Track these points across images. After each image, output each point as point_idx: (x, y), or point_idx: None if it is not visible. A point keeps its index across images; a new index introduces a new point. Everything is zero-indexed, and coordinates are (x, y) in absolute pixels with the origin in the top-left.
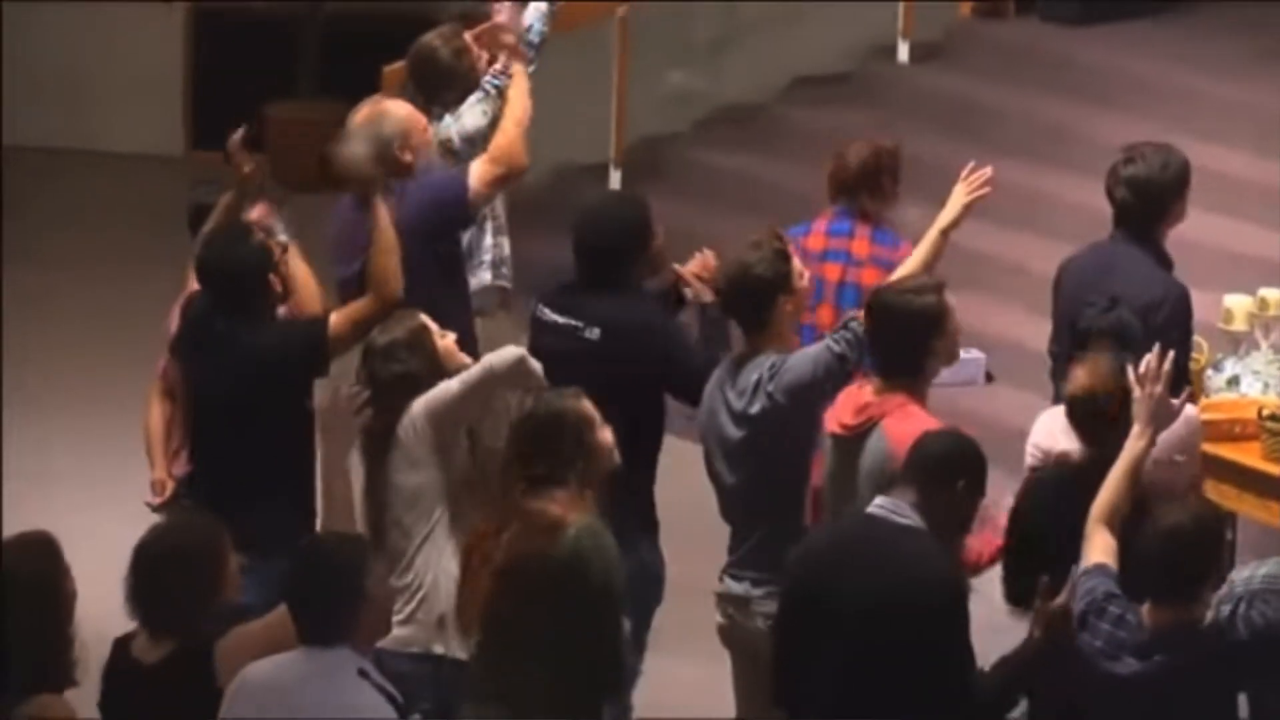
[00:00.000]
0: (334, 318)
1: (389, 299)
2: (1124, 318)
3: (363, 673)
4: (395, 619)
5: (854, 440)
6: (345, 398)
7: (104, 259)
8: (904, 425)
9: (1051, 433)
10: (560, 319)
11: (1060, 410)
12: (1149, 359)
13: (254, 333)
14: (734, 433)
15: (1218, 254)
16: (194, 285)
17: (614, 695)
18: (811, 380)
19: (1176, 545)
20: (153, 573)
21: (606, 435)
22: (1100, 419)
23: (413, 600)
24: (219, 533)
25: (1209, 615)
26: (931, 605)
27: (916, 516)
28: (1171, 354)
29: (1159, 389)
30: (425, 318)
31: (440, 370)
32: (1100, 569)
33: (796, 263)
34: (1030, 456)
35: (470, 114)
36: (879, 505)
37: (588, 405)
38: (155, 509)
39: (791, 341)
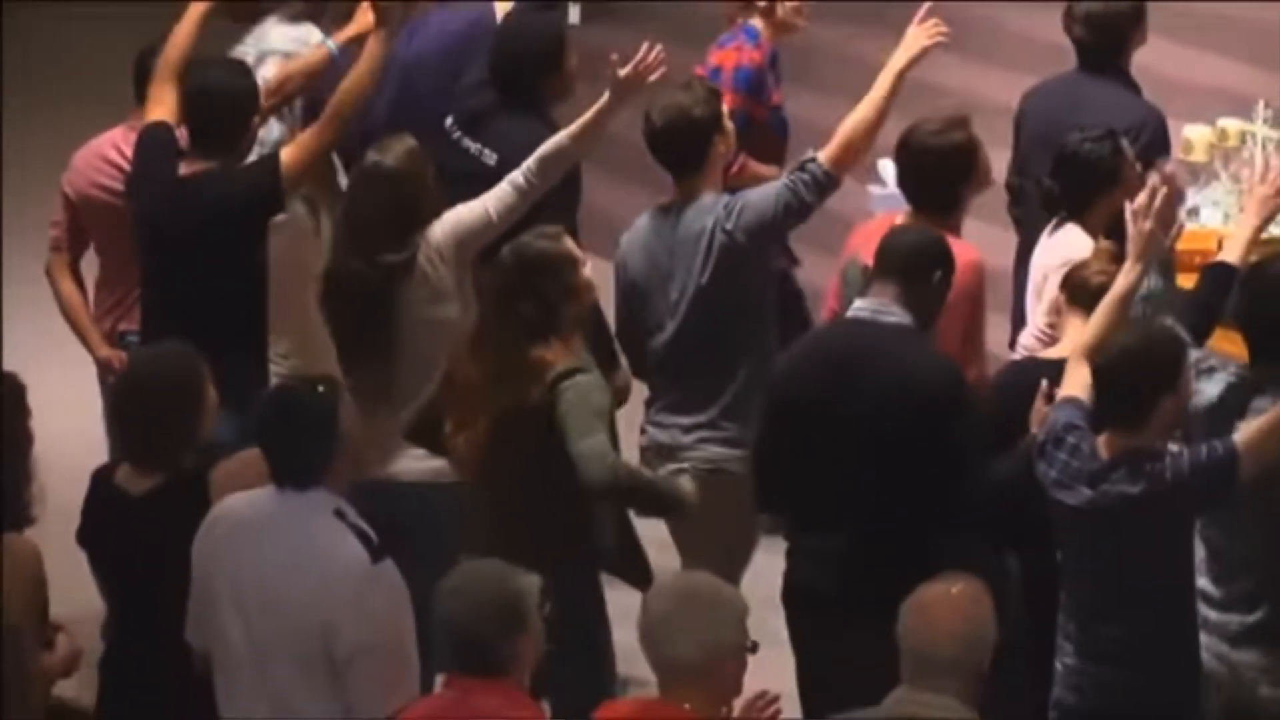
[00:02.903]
0: (285, 152)
1: (340, 129)
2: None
3: (339, 513)
4: (415, 451)
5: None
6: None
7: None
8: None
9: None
10: (465, 141)
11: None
12: (1141, 196)
13: (216, 174)
14: (685, 279)
15: (1177, 84)
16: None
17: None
18: (772, 219)
19: (1127, 367)
20: (138, 403)
21: (587, 272)
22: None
23: None
24: (198, 362)
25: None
26: (938, 398)
27: (903, 311)
28: (1164, 190)
29: (1150, 225)
30: (414, 141)
31: (440, 195)
32: (1071, 401)
33: (725, 104)
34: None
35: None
36: (860, 307)
37: (570, 244)
38: None
39: (720, 182)
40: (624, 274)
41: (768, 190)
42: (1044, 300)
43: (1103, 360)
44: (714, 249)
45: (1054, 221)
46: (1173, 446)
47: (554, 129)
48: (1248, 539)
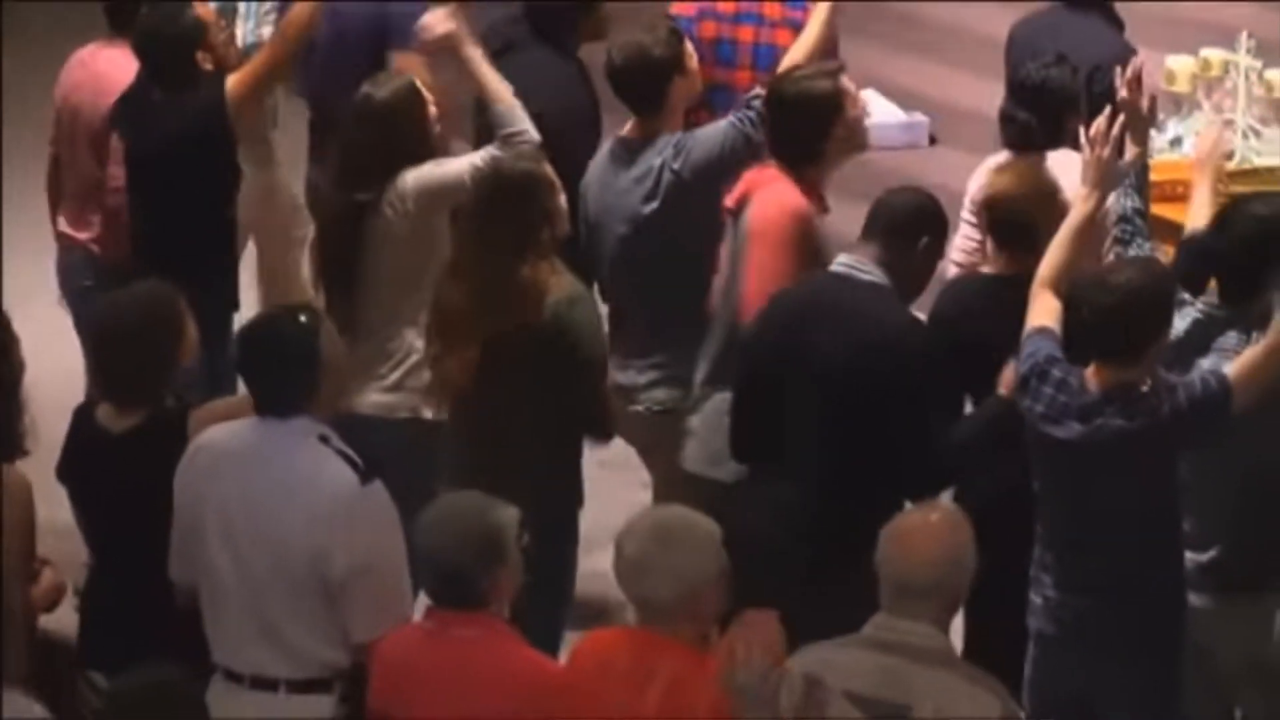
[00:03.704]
0: (230, 79)
1: (285, 55)
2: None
3: (323, 438)
4: (381, 385)
5: (736, 216)
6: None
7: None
8: (765, 199)
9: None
10: None
11: (1002, 159)
12: (1099, 121)
13: (170, 105)
14: (631, 213)
15: (1161, 15)
16: None
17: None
18: (719, 158)
19: (1133, 307)
20: (119, 341)
21: (563, 200)
22: (1015, 227)
23: (400, 367)
24: (176, 299)
25: None
26: (900, 358)
27: (880, 273)
28: (1121, 117)
29: (1108, 152)
30: (416, 80)
31: (428, 141)
32: (1043, 332)
33: (688, 43)
34: (965, 210)
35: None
36: (842, 262)
37: (549, 169)
38: None
39: (681, 122)
40: (584, 203)
41: (714, 129)
42: None
43: (1107, 298)
44: (661, 187)
45: (1012, 157)
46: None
47: (575, 67)
48: (1212, 476)
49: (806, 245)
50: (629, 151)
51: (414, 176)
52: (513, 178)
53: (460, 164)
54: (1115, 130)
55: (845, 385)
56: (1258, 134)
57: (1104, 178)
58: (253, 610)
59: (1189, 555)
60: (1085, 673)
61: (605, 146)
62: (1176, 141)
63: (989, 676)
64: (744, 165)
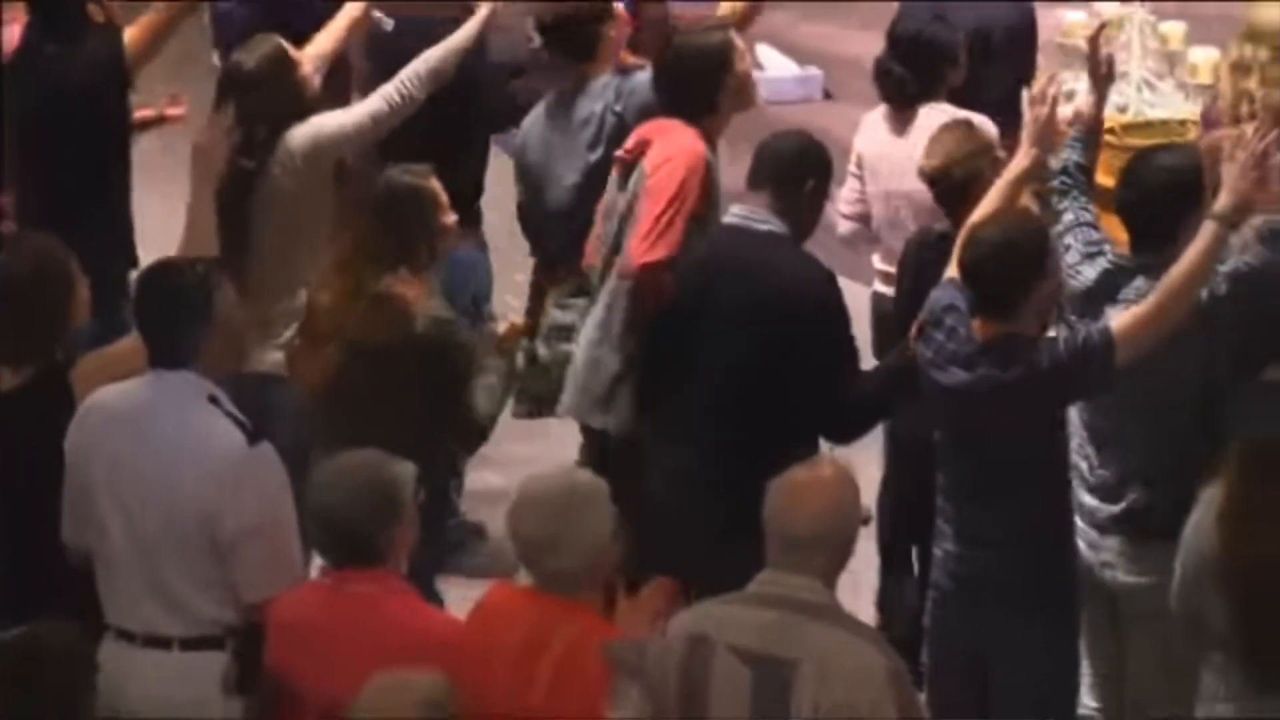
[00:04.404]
0: (129, 30)
1: (188, 9)
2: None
3: (213, 399)
4: (276, 343)
5: (631, 167)
6: (220, 127)
7: None
8: (668, 147)
9: (871, 136)
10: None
11: (879, 112)
12: (1039, 81)
13: (61, 55)
14: (578, 161)
15: None
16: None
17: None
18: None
19: (992, 263)
20: (5, 299)
21: (451, 217)
22: (956, 193)
23: (293, 325)
24: (67, 256)
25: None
26: (806, 305)
27: (776, 220)
28: (1058, 79)
29: (1045, 111)
30: (283, 43)
31: (301, 100)
32: (952, 281)
33: None
34: (851, 163)
35: None
36: (735, 214)
37: (437, 185)
38: None
39: (615, 62)
40: (523, 158)
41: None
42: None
43: (968, 256)
44: (605, 130)
45: (888, 110)
46: (1050, 331)
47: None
48: (1122, 424)
49: (705, 193)
50: (566, 102)
51: (300, 133)
52: (395, 190)
53: (345, 115)
54: (1052, 91)
55: (753, 337)
56: (1152, 87)
57: (1041, 136)
58: (144, 569)
59: (1104, 505)
60: (980, 626)
61: (541, 103)
62: (1071, 95)
63: (874, 630)
64: None
